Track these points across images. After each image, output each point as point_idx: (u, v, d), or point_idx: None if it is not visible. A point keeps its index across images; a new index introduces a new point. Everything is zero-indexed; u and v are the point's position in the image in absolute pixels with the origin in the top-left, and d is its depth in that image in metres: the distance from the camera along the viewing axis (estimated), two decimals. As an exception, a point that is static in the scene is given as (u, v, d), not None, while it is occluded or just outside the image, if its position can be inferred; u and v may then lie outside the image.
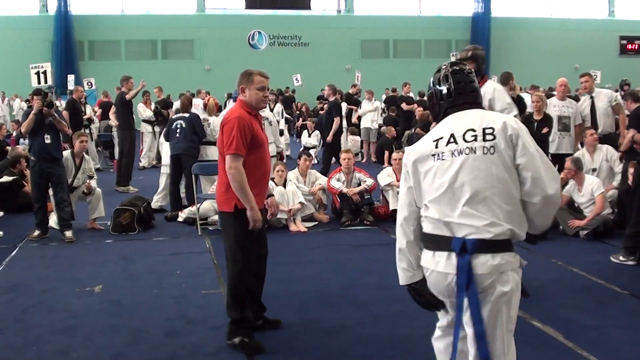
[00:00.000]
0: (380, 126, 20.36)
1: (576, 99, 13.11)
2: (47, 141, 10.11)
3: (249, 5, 39.02)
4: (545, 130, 11.41)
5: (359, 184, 11.35)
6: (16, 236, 10.50)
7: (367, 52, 39.87)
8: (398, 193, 11.64)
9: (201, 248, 9.70)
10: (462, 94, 3.88)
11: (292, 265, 8.60)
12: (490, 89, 6.90)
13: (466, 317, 3.62)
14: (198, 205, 10.83)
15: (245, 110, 5.82)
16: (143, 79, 15.86)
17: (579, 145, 11.84)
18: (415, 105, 20.85)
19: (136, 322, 6.59)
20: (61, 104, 20.06)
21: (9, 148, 15.33)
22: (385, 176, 11.49)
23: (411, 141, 16.77)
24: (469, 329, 3.64)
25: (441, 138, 3.75)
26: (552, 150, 11.71)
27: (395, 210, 10.95)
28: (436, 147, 3.74)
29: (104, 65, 35.43)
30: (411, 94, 22.67)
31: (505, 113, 6.19)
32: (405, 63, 38.65)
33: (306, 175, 11.61)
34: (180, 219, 11.40)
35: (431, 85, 4.01)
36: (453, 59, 15.78)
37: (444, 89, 3.90)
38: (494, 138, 3.63)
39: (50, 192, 10.51)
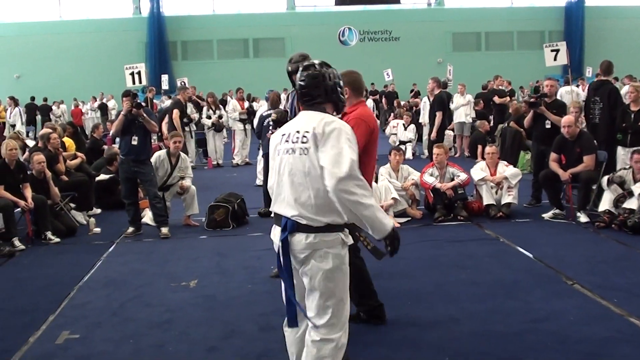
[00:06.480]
0: (473, 120, 20.05)
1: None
2: (134, 142, 10.35)
3: (338, 2, 39.13)
4: (643, 121, 11.05)
5: (452, 179, 11.16)
6: (113, 232, 10.78)
7: (459, 45, 39.48)
8: (492, 187, 11.50)
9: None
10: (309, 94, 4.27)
11: (384, 261, 8.50)
12: None
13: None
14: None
15: None
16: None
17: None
18: (508, 98, 20.53)
19: (230, 316, 6.66)
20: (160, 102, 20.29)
21: (105, 147, 15.71)
22: (478, 170, 11.32)
23: (504, 135, 16.49)
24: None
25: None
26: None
27: (489, 205, 10.89)
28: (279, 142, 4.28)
29: (197, 65, 36.19)
30: (502, 87, 22.33)
31: None
32: (498, 55, 38.17)
33: (398, 171, 11.45)
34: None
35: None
36: (546, 50, 15.38)
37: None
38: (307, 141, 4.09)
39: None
